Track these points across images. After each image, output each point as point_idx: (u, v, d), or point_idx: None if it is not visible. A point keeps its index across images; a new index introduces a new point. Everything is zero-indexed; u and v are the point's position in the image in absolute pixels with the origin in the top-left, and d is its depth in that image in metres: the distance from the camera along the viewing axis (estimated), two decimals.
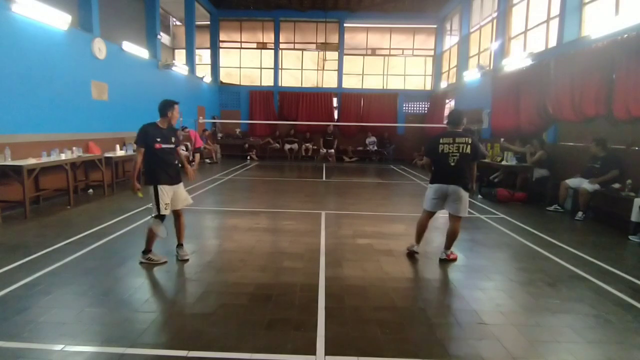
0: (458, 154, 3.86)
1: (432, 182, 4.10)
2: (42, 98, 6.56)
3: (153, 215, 3.83)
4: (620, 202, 5.58)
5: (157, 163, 3.81)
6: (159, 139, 3.79)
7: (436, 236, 5.30)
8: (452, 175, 3.92)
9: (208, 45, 16.35)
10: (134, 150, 3.39)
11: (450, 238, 4.11)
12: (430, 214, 4.20)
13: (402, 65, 16.94)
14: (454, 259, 4.15)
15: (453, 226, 4.07)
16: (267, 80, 16.86)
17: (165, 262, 3.92)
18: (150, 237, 3.87)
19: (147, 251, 3.91)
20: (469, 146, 3.87)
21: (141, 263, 3.88)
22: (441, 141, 3.93)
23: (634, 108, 5.55)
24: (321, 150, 14.72)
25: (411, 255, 4.30)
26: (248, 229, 5.33)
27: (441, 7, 15.22)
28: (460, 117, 4.02)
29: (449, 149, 3.89)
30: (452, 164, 3.88)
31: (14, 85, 5.98)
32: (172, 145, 3.92)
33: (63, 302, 3.04)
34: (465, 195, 3.97)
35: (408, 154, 15.34)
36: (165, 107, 3.87)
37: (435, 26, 16.23)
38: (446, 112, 14.98)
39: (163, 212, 3.80)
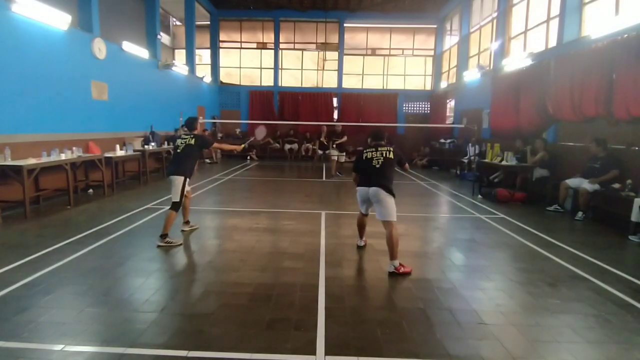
0: (382, 158, 4.05)
1: (357, 186, 4.22)
2: (42, 98, 6.56)
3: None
4: (620, 202, 5.57)
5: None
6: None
7: (436, 236, 5.32)
8: (375, 176, 3.99)
9: (208, 45, 16.35)
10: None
11: (391, 246, 3.79)
12: (363, 214, 4.43)
13: (402, 65, 16.95)
14: (408, 273, 3.72)
15: (388, 233, 3.84)
16: (267, 80, 16.86)
17: (181, 244, 4.52)
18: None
19: (164, 235, 4.43)
20: (391, 152, 4.12)
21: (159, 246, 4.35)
22: (365, 151, 4.19)
23: (633, 108, 5.55)
24: (318, 152, 14.69)
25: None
26: (248, 229, 5.33)
27: (441, 7, 15.22)
28: (382, 133, 4.38)
29: (372, 155, 4.10)
30: (377, 165, 4.01)
31: (14, 85, 5.98)
32: None
33: (63, 302, 3.04)
34: (388, 198, 3.88)
35: (408, 154, 15.32)
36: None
37: (435, 26, 16.24)
38: (447, 112, 15.04)
39: None
